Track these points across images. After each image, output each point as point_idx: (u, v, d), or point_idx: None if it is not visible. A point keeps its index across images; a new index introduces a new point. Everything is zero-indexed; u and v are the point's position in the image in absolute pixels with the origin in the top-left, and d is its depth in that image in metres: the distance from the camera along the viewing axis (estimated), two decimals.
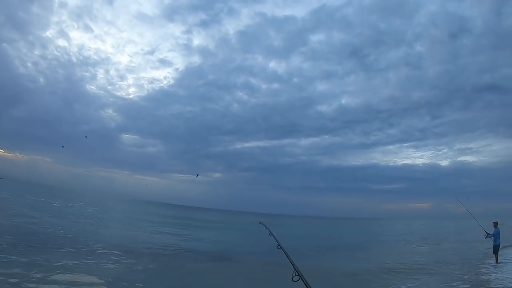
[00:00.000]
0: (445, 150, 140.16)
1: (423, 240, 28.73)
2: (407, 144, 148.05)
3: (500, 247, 13.73)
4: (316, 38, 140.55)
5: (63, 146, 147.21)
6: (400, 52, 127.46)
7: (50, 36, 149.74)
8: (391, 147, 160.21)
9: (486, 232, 13.50)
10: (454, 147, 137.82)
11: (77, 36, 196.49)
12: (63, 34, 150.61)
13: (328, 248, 22.83)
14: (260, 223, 7.29)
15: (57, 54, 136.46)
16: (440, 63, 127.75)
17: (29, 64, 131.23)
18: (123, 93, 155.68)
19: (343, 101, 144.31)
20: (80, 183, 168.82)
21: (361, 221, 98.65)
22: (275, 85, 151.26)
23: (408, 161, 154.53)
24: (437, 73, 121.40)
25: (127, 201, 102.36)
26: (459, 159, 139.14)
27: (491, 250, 13.95)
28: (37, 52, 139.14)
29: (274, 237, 5.31)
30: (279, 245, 4.66)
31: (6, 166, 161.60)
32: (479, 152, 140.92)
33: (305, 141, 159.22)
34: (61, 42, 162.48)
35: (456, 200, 16.94)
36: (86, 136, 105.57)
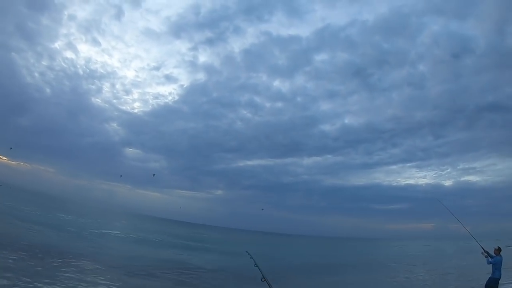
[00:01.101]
0: (448, 170, 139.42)
1: (413, 264, 27.40)
2: (410, 164, 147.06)
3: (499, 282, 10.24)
4: (320, 57, 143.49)
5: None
6: (403, 72, 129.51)
7: (58, 47, 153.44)
8: (394, 167, 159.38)
9: (484, 250, 10.43)
10: (458, 167, 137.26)
11: (85, 49, 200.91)
12: (71, 46, 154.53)
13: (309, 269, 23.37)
14: (246, 252, 7.33)
15: (64, 65, 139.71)
16: (443, 83, 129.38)
17: (36, 74, 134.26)
18: (128, 107, 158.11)
19: (346, 121, 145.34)
20: (82, 194, 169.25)
21: (362, 241, 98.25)
22: (279, 104, 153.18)
23: (411, 181, 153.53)
24: (440, 93, 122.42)
25: (128, 215, 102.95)
26: (462, 178, 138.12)
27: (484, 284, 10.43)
28: (44, 62, 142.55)
29: (259, 269, 5.34)
30: (263, 277, 4.74)
31: (8, 173, 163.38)
32: (483, 171, 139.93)
33: (307, 160, 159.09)
34: (69, 54, 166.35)
35: (440, 203, 14.58)
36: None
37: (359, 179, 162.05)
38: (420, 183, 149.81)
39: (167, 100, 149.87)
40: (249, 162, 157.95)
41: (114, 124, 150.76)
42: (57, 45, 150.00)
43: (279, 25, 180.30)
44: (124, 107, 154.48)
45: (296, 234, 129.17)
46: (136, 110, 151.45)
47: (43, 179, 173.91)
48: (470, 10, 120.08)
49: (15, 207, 37.08)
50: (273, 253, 36.64)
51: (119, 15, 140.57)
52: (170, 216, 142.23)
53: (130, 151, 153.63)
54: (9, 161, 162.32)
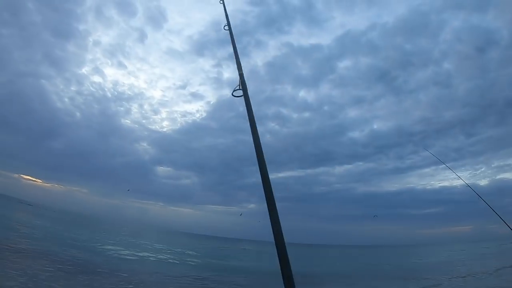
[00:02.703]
0: (483, 169, 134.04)
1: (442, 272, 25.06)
2: (443, 165, 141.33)
3: None
4: (343, 64, 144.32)
5: (128, 190, 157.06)
6: (428, 71, 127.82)
7: (85, 72, 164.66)
8: (427, 170, 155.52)
9: None
10: (492, 165, 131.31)
11: (111, 72, 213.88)
12: (98, 71, 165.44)
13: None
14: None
15: (93, 89, 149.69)
16: (470, 79, 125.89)
17: (66, 99, 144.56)
18: (157, 127, 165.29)
19: (375, 126, 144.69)
20: (116, 213, 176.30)
21: (398, 248, 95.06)
22: (306, 114, 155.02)
23: (446, 183, 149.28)
24: (468, 90, 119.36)
25: (166, 233, 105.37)
26: (498, 176, 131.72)
27: None
28: (73, 88, 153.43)
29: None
30: None
31: (43, 195, 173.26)
32: None
33: (339, 169, 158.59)
34: (96, 79, 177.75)
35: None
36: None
37: (392, 185, 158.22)
38: (455, 184, 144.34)
39: (195, 118, 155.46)
40: (280, 174, 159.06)
41: (144, 144, 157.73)
42: (85, 70, 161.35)
43: (300, 35, 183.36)
44: (153, 127, 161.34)
45: (332, 244, 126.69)
46: (165, 129, 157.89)
47: (77, 199, 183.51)
48: (490, 1, 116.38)
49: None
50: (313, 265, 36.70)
51: (142, 37, 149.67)
52: (204, 231, 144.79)
53: (161, 169, 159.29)
54: (44, 183, 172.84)
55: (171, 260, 26.09)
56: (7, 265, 13.84)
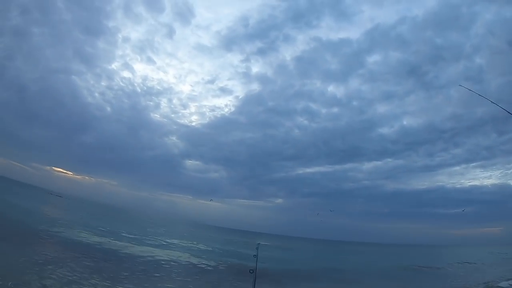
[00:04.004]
0: None
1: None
2: (473, 164, 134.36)
3: None
4: (373, 59, 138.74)
5: (211, 200, 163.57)
6: (459, 66, 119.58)
7: (115, 68, 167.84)
8: (457, 168, 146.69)
9: None
10: None
11: (141, 68, 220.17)
12: (127, 66, 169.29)
13: None
14: (257, 244, 8.61)
15: (122, 85, 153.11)
16: (503, 74, 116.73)
17: (96, 94, 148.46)
18: (186, 121, 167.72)
19: (404, 122, 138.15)
20: (144, 205, 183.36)
21: (426, 248, 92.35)
22: (335, 109, 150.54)
23: (476, 183, 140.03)
24: (500, 86, 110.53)
25: (198, 226, 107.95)
26: None
27: None
28: (103, 83, 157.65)
29: (256, 260, 6.50)
30: (252, 269, 5.72)
31: (73, 187, 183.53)
32: None
33: (367, 165, 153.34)
34: (126, 74, 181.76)
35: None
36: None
37: (422, 183, 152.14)
38: (485, 183, 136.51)
39: (223, 112, 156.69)
40: (309, 170, 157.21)
41: (174, 138, 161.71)
42: (114, 66, 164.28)
43: (328, 30, 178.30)
44: (182, 121, 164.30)
45: (359, 241, 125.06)
46: (194, 123, 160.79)
47: (107, 191, 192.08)
48: None
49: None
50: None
51: (170, 33, 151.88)
52: (231, 225, 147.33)
53: (190, 163, 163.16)
54: (75, 175, 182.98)
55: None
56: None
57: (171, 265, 19.82)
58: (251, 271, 5.55)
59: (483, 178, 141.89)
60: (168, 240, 34.72)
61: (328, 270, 27.58)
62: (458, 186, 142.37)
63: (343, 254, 55.37)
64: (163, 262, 20.12)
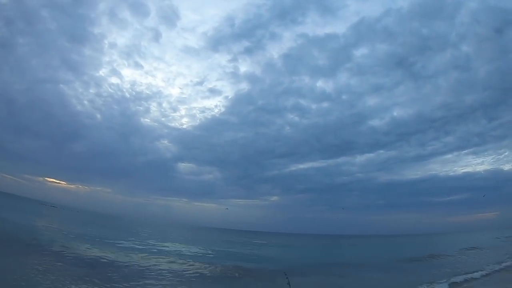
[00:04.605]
0: (506, 153, 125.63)
1: None
2: (465, 151, 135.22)
3: None
4: (360, 52, 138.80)
5: (227, 209, 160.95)
6: (447, 55, 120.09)
7: (103, 75, 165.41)
8: (449, 156, 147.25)
9: None
10: None
11: (129, 73, 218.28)
12: (115, 72, 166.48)
13: None
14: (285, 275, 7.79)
15: (111, 91, 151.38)
16: (490, 61, 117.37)
17: (85, 102, 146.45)
18: (177, 124, 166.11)
19: (395, 114, 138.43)
20: (140, 211, 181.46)
21: (425, 237, 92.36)
22: (325, 104, 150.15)
23: (469, 169, 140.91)
24: (488, 73, 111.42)
25: (195, 229, 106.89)
26: None
27: None
28: (92, 90, 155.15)
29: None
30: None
31: (67, 196, 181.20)
32: None
33: (360, 158, 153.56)
34: (114, 80, 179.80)
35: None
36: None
37: (415, 172, 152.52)
38: (478, 170, 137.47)
39: (213, 113, 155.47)
40: (302, 166, 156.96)
41: (165, 141, 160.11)
42: (102, 72, 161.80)
43: (314, 25, 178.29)
44: (173, 124, 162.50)
45: (357, 234, 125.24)
46: (185, 126, 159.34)
47: (101, 199, 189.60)
48: None
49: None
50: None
51: (156, 37, 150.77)
52: (228, 225, 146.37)
53: (183, 166, 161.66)
54: (68, 185, 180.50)
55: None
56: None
57: (158, 270, 18.50)
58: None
59: (475, 164, 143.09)
60: (160, 245, 33.50)
61: (328, 265, 26.82)
62: (451, 173, 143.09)
63: (343, 248, 54.72)
64: (151, 268, 18.83)
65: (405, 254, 35.66)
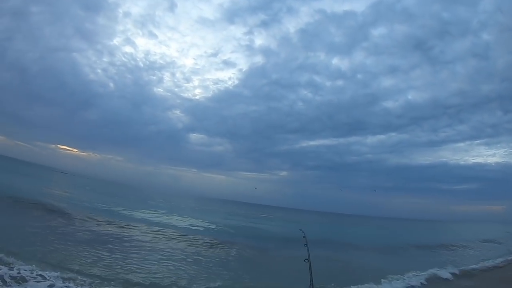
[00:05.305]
0: None
1: None
2: (478, 141, 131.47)
3: None
4: (378, 32, 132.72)
5: (375, 190, 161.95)
6: (466, 42, 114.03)
7: (117, 44, 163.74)
8: (461, 144, 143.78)
9: None
10: None
11: (143, 42, 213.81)
12: (129, 41, 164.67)
13: None
14: (300, 230, 7.64)
15: (125, 60, 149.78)
16: (510, 52, 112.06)
17: (98, 70, 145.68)
18: (189, 95, 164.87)
19: (409, 97, 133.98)
20: (150, 180, 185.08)
21: (430, 223, 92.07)
22: (339, 82, 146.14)
23: (480, 160, 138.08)
24: (507, 64, 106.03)
25: (203, 199, 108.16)
26: None
27: None
28: (105, 59, 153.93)
29: (307, 249, 5.93)
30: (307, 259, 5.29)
31: (79, 164, 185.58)
32: None
33: (371, 139, 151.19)
34: (128, 49, 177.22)
35: None
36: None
37: (425, 158, 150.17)
38: (489, 161, 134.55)
39: (227, 85, 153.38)
40: (312, 143, 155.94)
41: (177, 112, 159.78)
42: (116, 41, 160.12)
43: (333, 2, 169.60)
44: (185, 95, 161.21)
45: (362, 214, 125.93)
46: (197, 97, 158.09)
47: (113, 167, 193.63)
48: None
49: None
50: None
51: (172, 7, 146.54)
52: (236, 198, 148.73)
53: (194, 136, 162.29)
54: (80, 152, 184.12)
55: None
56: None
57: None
58: (306, 261, 5.48)
59: (487, 155, 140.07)
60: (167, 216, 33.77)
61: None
62: (462, 162, 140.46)
63: (347, 227, 54.46)
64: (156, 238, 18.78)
65: (423, 241, 35.17)
